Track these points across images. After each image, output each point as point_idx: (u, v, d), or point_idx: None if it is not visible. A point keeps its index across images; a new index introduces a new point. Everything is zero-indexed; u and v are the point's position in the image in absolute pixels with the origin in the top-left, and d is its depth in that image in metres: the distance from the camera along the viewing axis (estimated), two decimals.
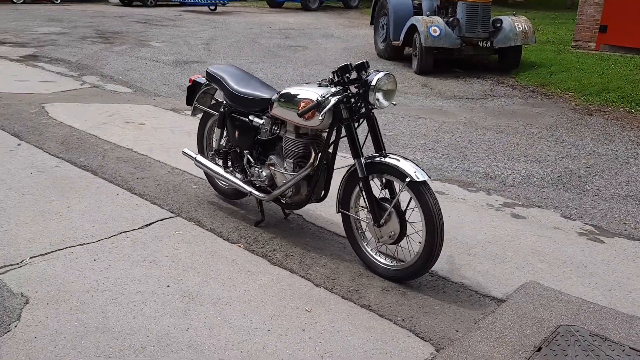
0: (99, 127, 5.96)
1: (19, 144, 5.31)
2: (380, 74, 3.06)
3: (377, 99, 3.08)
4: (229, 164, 3.93)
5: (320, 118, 3.11)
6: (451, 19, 9.30)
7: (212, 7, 19.09)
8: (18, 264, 3.22)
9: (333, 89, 3.13)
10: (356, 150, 3.15)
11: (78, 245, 3.46)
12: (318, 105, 3.08)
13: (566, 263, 3.50)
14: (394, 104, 3.44)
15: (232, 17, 17.70)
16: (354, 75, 3.18)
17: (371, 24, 11.48)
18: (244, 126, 3.72)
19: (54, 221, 3.75)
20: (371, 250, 3.32)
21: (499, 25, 9.32)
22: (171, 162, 5.00)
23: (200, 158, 4.07)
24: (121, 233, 3.64)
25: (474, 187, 4.75)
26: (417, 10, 10.18)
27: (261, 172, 3.67)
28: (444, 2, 9.76)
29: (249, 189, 3.72)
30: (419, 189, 2.96)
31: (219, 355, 2.53)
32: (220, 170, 3.90)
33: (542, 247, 3.69)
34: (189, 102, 4.23)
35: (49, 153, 5.08)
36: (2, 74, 8.44)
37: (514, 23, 9.29)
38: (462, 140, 6.04)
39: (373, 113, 3.26)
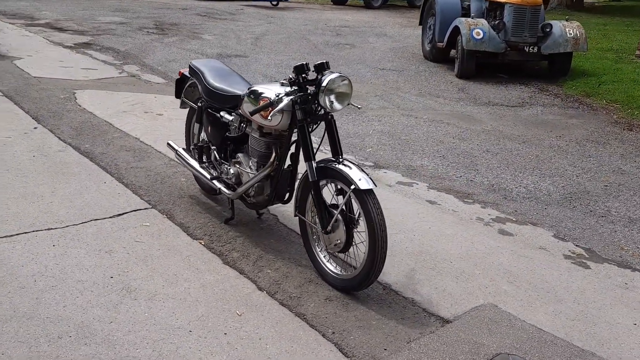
0: (117, 115, 6.12)
1: (35, 127, 5.53)
2: (333, 76, 2.95)
3: (329, 102, 2.96)
4: (204, 159, 3.92)
5: (269, 118, 3.03)
6: (497, 22, 8.93)
7: (274, 2, 19.24)
8: None
9: (288, 89, 3.04)
10: (308, 154, 3.06)
11: (45, 229, 3.55)
12: (271, 105, 3.01)
13: (536, 287, 3.27)
14: (359, 107, 3.33)
15: (291, 12, 17.78)
16: (313, 75, 3.08)
17: (420, 24, 11.22)
18: (216, 122, 3.70)
19: (34, 204, 3.87)
20: (324, 257, 3.21)
21: (548, 30, 8.86)
22: (171, 154, 5.03)
23: (181, 152, 4.09)
24: (91, 221, 3.71)
25: (471, 198, 4.53)
26: (466, 12, 9.85)
27: (229, 169, 3.64)
28: (493, 5, 9.38)
29: (218, 185, 3.70)
30: (363, 198, 2.84)
31: (130, 352, 2.52)
32: (196, 165, 3.90)
33: (517, 268, 3.47)
34: (177, 95, 4.26)
35: (59, 138, 5.26)
36: (51, 59, 8.82)
37: (565, 29, 8.81)
38: (479, 149, 5.78)
39: (332, 116, 3.15)
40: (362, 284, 2.98)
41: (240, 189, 3.51)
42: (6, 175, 4.33)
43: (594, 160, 5.61)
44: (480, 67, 9.19)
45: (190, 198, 4.18)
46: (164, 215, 3.86)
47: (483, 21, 8.85)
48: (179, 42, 11.13)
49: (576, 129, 6.64)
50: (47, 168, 4.52)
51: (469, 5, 9.87)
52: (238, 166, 3.56)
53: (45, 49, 9.56)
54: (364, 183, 2.84)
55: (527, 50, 8.82)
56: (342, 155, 3.15)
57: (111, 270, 3.15)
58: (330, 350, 2.62)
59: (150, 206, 3.99)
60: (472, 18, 9.04)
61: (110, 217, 3.77)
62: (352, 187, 2.86)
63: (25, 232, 3.50)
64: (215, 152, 3.76)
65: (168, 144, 4.25)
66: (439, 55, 10.24)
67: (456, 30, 9.06)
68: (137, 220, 3.75)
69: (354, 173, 2.89)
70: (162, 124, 5.93)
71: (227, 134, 3.65)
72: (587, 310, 3.07)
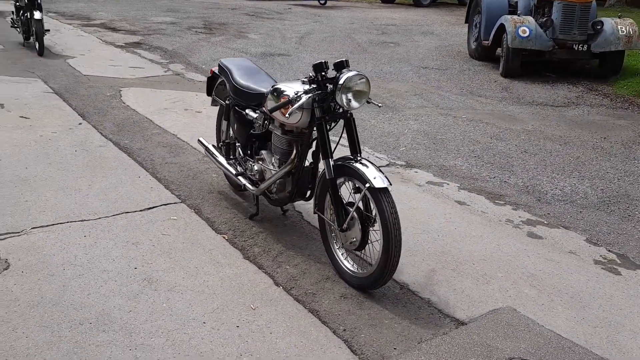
0: (159, 112, 6.31)
1: (80, 123, 5.77)
2: (350, 74, 2.96)
3: (346, 99, 2.97)
4: (231, 156, 4.00)
5: (287, 115, 3.07)
6: (545, 19, 8.69)
7: (322, 2, 19.30)
8: (19, 232, 3.52)
9: (307, 87, 3.07)
10: (325, 151, 3.08)
11: (79, 221, 3.71)
12: (289, 103, 3.05)
13: (560, 292, 3.19)
14: (380, 106, 3.32)
15: (339, 11, 17.81)
16: (332, 73, 3.10)
17: (466, 21, 11.06)
18: (241, 119, 3.77)
19: (71, 196, 4.04)
20: (342, 254, 3.23)
21: (599, 27, 8.56)
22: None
23: (210, 148, 4.18)
24: (122, 213, 3.85)
25: (503, 200, 4.45)
26: (513, 9, 9.63)
27: (253, 166, 3.70)
28: (541, 1, 9.14)
29: (243, 181, 3.77)
30: (377, 196, 2.85)
31: (145, 340, 2.61)
32: (223, 161, 3.98)
33: (542, 272, 3.39)
34: (208, 92, 4.35)
35: (102, 134, 5.47)
36: (102, 58, 9.16)
37: (617, 26, 8.49)
38: (517, 149, 5.65)
39: (351, 114, 3.16)
40: (376, 283, 2.98)
41: (262, 185, 3.57)
42: (48, 169, 4.53)
43: (639, 163, 5.39)
44: (526, 65, 8.97)
45: (219, 194, 4.27)
46: (192, 210, 3.96)
47: (530, 18, 8.63)
48: (225, 42, 11.34)
49: (623, 131, 6.39)
50: (87, 162, 4.71)
51: (516, 3, 9.65)
52: (261, 163, 3.62)
53: (97, 48, 9.93)
54: (378, 181, 2.84)
55: (576, 48, 8.55)
56: (360, 153, 3.15)
57: (136, 262, 3.26)
58: (339, 347, 2.64)
59: (180, 201, 4.09)
60: (519, 15, 8.82)
61: (141, 211, 3.90)
62: (367, 185, 2.86)
63: (60, 223, 3.66)
64: (240, 149, 3.83)
65: (199, 140, 4.35)
66: (484, 53, 10.06)
67: (502, 28, 8.89)
68: (165, 214, 3.86)
69: (369, 171, 2.89)
70: (200, 121, 6.07)
71: (251, 131, 3.71)
72: (612, 317, 2.97)
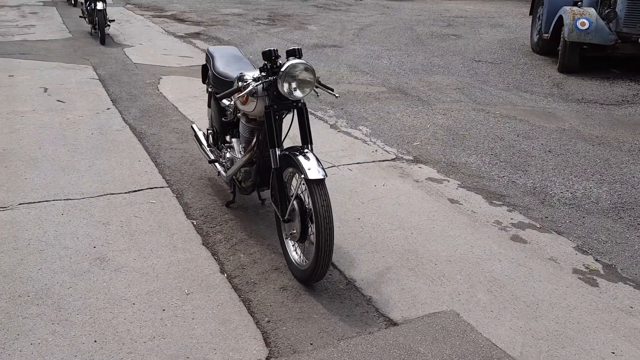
0: (186, 99, 6.48)
1: (108, 108, 6.04)
2: (293, 62, 2.90)
3: (288, 88, 2.92)
4: (212, 143, 4.04)
5: (239, 102, 3.06)
6: (608, 11, 8.08)
7: None
8: (6, 207, 3.75)
9: (256, 74, 3.04)
10: (272, 141, 3.04)
11: (64, 199, 3.90)
12: (237, 91, 3.04)
13: (518, 300, 2.98)
14: (337, 96, 3.22)
15: (410, 3, 17.45)
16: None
17: (530, 13, 10.51)
18: (218, 107, 3.80)
19: (67, 176, 4.26)
20: (292, 245, 3.19)
21: None
22: None
23: (199, 135, 4.25)
24: (107, 194, 4.00)
25: (502, 200, 4.21)
26: (578, 0, 9.04)
27: (225, 153, 3.73)
28: None
29: (218, 168, 3.80)
30: (311, 188, 2.78)
31: (70, 316, 2.71)
32: (205, 148, 4.04)
33: (507, 277, 3.18)
34: (203, 80, 4.42)
35: (123, 118, 5.70)
36: (157, 48, 9.53)
37: None
38: (541, 148, 5.32)
39: (303, 104, 3.10)
40: (311, 277, 2.92)
41: (228, 172, 3.59)
42: (59, 150, 4.79)
43: None
44: (588, 61, 8.40)
45: (208, 180, 4.33)
46: (174, 195, 4.05)
47: (591, 10, 8.06)
48: (282, 33, 11.44)
49: None
50: (97, 145, 4.93)
51: None
52: (230, 151, 3.63)
53: (157, 38, 10.34)
54: (313, 173, 2.77)
55: None
56: (311, 144, 3.08)
57: (97, 241, 3.38)
58: (254, 338, 2.61)
59: (167, 185, 4.20)
60: (581, 7, 8.26)
61: (125, 193, 4.03)
62: (302, 176, 2.80)
63: (46, 201, 3.86)
64: (210, 135, 3.86)
65: (191, 126, 4.43)
66: (546, 47, 9.52)
67: (561, 20, 8.36)
68: (146, 197, 3.97)
69: (306, 163, 2.82)
70: None
71: (222, 118, 3.73)
72: (564, 331, 2.74)
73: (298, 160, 2.86)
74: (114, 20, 10.76)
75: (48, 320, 2.66)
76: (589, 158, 5.11)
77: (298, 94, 2.95)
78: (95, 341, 2.54)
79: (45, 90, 6.58)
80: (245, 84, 3.03)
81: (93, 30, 10.16)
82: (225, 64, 3.81)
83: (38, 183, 4.12)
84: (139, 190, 4.08)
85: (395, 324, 2.75)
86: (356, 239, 3.54)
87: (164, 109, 6.10)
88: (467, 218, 3.89)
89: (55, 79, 7.08)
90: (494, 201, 4.19)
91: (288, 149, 3.02)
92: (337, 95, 3.21)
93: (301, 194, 2.95)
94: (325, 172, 2.81)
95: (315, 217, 2.75)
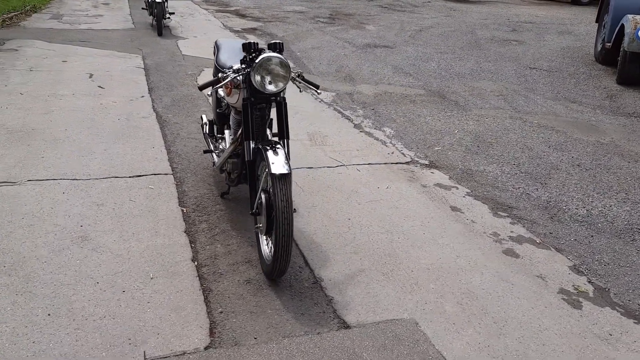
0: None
1: (142, 96, 6.25)
2: (267, 55, 2.88)
3: (260, 80, 2.90)
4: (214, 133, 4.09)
5: (221, 94, 3.07)
6: None
7: None
8: (15, 182, 3.95)
9: (236, 67, 3.05)
10: (247, 133, 3.04)
11: (70, 179, 4.06)
12: (217, 81, 3.06)
13: (487, 315, 2.84)
14: (319, 93, 3.19)
15: (480, 6, 16.97)
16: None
17: (596, 21, 9.97)
18: (215, 98, 3.84)
19: (81, 158, 4.43)
20: (265, 239, 3.18)
21: None
22: None
23: (206, 124, 4.31)
24: (112, 177, 4.14)
25: (508, 212, 4.02)
26: None
27: (219, 144, 3.76)
28: None
29: (215, 158, 3.85)
30: (274, 182, 2.76)
31: (33, 288, 2.82)
32: (208, 139, 4.09)
33: (483, 291, 3.04)
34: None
35: (153, 107, 5.88)
36: (210, 41, 9.70)
37: None
38: (570, 162, 5.05)
39: (283, 99, 3.08)
40: (272, 272, 2.89)
41: (217, 163, 3.62)
42: (83, 132, 4.99)
43: None
44: None
45: (212, 170, 4.38)
46: (175, 182, 4.13)
47: None
48: (338, 31, 11.42)
49: None
50: (119, 130, 5.10)
51: None
52: (222, 141, 3.66)
53: (212, 32, 10.58)
54: (276, 167, 2.74)
55: None
56: (286, 139, 3.06)
57: (86, 220, 3.50)
58: (200, 327, 2.62)
59: (171, 173, 4.28)
60: None
61: (129, 177, 4.15)
62: (266, 170, 2.79)
63: (54, 179, 4.03)
64: (207, 126, 3.91)
65: (201, 117, 4.50)
66: (608, 57, 9.01)
67: (623, 28, 7.88)
68: (147, 183, 4.08)
69: (273, 157, 2.80)
70: None
71: (218, 109, 3.77)
72: (525, 352, 2.58)
73: (266, 154, 2.84)
74: (173, 13, 11.11)
75: (13, 290, 2.78)
76: (619, 175, 4.79)
77: (271, 87, 2.93)
78: (49, 314, 2.62)
79: (91, 76, 6.88)
80: (225, 75, 3.04)
81: (153, 21, 10.51)
82: (228, 56, 3.84)
83: (52, 162, 4.30)
84: (142, 176, 4.19)
85: (347, 327, 2.69)
86: (339, 239, 3.48)
87: (195, 99, 6.23)
88: (463, 227, 3.74)
89: (103, 66, 7.39)
90: (499, 212, 4.01)
91: (263, 142, 3.01)
92: (319, 92, 3.16)
93: (269, 188, 2.92)
94: (289, 167, 2.78)
95: (275, 212, 2.72)
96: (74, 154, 4.49)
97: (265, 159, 2.84)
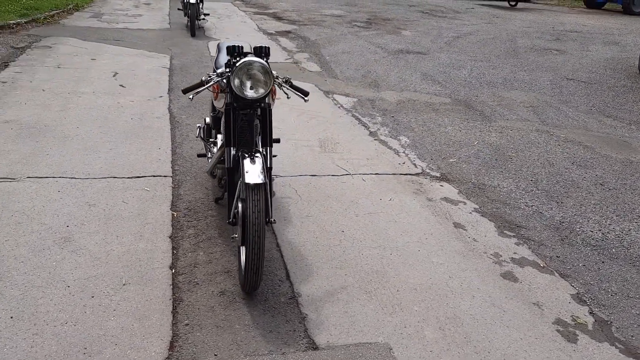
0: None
1: (160, 96, 6.25)
2: (247, 59, 2.77)
3: (238, 84, 2.79)
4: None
5: (217, 100, 2.98)
6: None
7: (512, 3, 18.03)
8: (14, 178, 3.97)
9: (220, 70, 2.96)
10: (228, 139, 2.94)
11: (69, 177, 4.05)
12: (199, 85, 2.97)
13: (469, 344, 2.65)
14: (307, 100, 3.06)
15: (524, 14, 16.48)
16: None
17: None
18: (212, 102, 3.76)
19: (86, 156, 4.43)
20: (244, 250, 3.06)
21: None
22: None
23: (203, 127, 4.23)
24: (110, 177, 4.11)
25: (515, 232, 3.80)
26: None
27: (213, 148, 3.68)
28: None
29: (209, 162, 3.77)
30: (247, 191, 2.64)
31: (3, 290, 2.78)
32: (204, 141, 4.01)
33: (470, 317, 2.84)
34: None
35: (169, 107, 5.87)
36: (240, 43, 9.73)
37: None
38: (593, 180, 4.76)
39: (268, 105, 2.97)
40: (244, 286, 2.78)
41: (207, 168, 3.53)
42: (93, 131, 5.01)
43: None
44: None
45: (205, 174, 4.30)
46: (172, 185, 4.06)
47: None
48: (372, 36, 11.26)
49: None
50: (129, 129, 5.10)
51: None
52: (214, 146, 3.57)
53: (245, 34, 10.58)
54: (250, 177, 2.63)
55: None
56: (269, 147, 2.94)
57: (73, 221, 3.47)
58: (161, 339, 2.53)
59: (171, 175, 4.22)
60: None
61: (128, 178, 4.12)
62: (241, 179, 2.68)
63: (53, 177, 4.03)
64: (200, 129, 3.83)
65: (204, 119, 4.42)
66: None
67: None
68: (144, 184, 4.03)
69: (249, 166, 2.69)
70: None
71: (211, 113, 3.68)
72: None
73: (243, 162, 2.73)
74: (208, 14, 11.17)
75: None
76: None
77: (250, 93, 2.82)
78: (12, 317, 2.58)
79: (115, 75, 6.93)
80: (208, 78, 2.94)
81: (188, 22, 10.58)
82: (225, 59, 3.73)
83: (55, 160, 4.31)
84: (141, 177, 4.14)
85: (315, 348, 2.54)
86: (328, 252, 3.34)
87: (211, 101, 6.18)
88: (462, 245, 3.54)
89: (130, 65, 7.44)
90: (505, 231, 3.78)
91: (243, 149, 2.89)
92: (306, 99, 3.03)
93: (239, 192, 2.81)
94: (265, 177, 2.65)
95: (247, 224, 2.60)
96: (78, 152, 4.48)
97: (241, 167, 2.73)
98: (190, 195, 3.93)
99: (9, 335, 2.47)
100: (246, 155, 2.78)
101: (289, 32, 11.20)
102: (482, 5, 18.24)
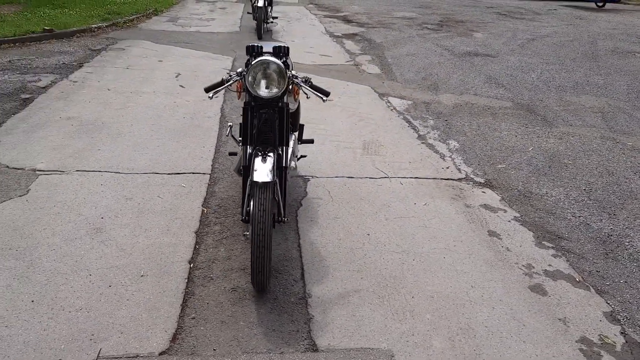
0: None
1: (217, 96, 6.40)
2: (262, 58, 2.79)
3: (251, 83, 2.81)
4: None
5: (209, 95, 3.04)
6: None
7: (600, 4, 17.08)
8: (64, 171, 4.20)
9: (240, 69, 2.99)
10: (245, 138, 2.97)
11: (113, 172, 4.24)
12: (220, 84, 3.02)
13: (479, 356, 2.54)
14: (324, 101, 3.03)
15: (611, 15, 15.57)
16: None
17: None
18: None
19: (133, 152, 4.62)
20: None
21: None
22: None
23: (232, 125, 4.29)
24: (151, 173, 4.26)
25: (554, 243, 3.61)
26: None
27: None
28: None
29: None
30: (253, 190, 2.66)
31: (32, 275, 2.95)
32: (234, 139, 4.07)
33: (486, 329, 2.72)
34: None
35: (222, 107, 6.02)
36: (305, 45, 9.84)
37: None
38: None
39: (284, 105, 2.97)
40: (253, 283, 2.79)
41: (235, 165, 3.58)
42: (146, 128, 5.21)
43: None
44: None
45: (232, 171, 4.36)
46: (209, 183, 4.16)
47: None
48: (440, 39, 11.04)
49: None
50: (180, 127, 5.27)
51: None
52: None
53: (311, 37, 10.67)
54: (257, 175, 2.65)
55: None
56: (286, 146, 2.95)
57: (108, 213, 3.62)
58: (165, 331, 2.59)
59: (209, 173, 4.32)
60: None
61: (167, 174, 4.25)
62: (250, 177, 2.70)
63: (98, 171, 4.23)
64: (229, 127, 3.88)
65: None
66: None
67: None
68: (182, 181, 4.15)
69: (258, 164, 2.71)
70: (320, 108, 6.16)
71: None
72: None
73: (253, 160, 2.75)
74: (277, 17, 11.36)
75: (14, 274, 2.92)
76: None
77: (262, 92, 2.83)
78: (32, 301, 2.72)
79: (177, 75, 7.19)
80: (229, 77, 2.98)
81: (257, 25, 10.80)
82: None
83: (105, 155, 4.52)
84: (181, 173, 4.26)
85: (315, 350, 2.51)
86: (348, 254, 3.30)
87: None
88: (493, 255, 3.39)
89: (193, 67, 7.69)
90: (544, 242, 3.59)
91: (258, 148, 2.91)
92: (324, 99, 3.00)
93: (247, 194, 2.82)
94: (274, 177, 2.66)
95: (252, 222, 2.62)
96: (127, 149, 4.67)
97: (251, 165, 2.74)
98: (224, 193, 4.00)
99: (26, 317, 2.60)
100: (259, 154, 2.79)
101: (355, 34, 11.17)
102: (567, 6, 17.43)
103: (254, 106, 2.95)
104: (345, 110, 6.09)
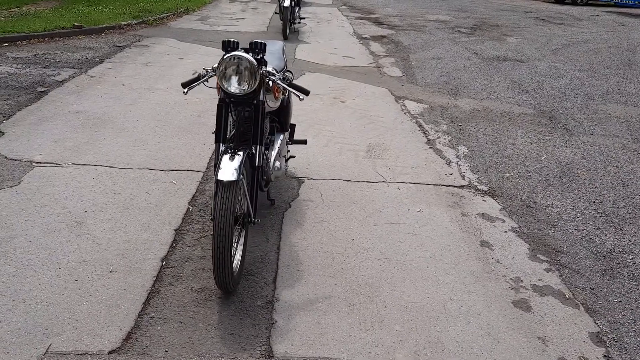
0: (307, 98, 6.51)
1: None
2: (233, 53, 2.71)
3: (220, 78, 2.74)
4: None
5: (183, 91, 2.98)
6: None
7: None
8: (60, 164, 4.22)
9: (215, 65, 2.92)
10: (218, 135, 2.90)
11: (108, 166, 4.24)
12: (196, 79, 2.96)
13: None
14: (301, 99, 2.94)
15: None
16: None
17: None
18: None
19: (133, 148, 4.62)
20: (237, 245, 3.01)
21: None
22: (298, 136, 5.21)
23: None
24: (145, 169, 4.25)
25: (550, 257, 3.42)
26: None
27: None
28: None
29: None
30: (217, 188, 2.59)
31: (1, 266, 2.94)
32: None
33: (457, 344, 2.58)
34: None
35: None
36: (330, 47, 9.76)
37: None
38: None
39: (260, 102, 2.89)
40: (216, 284, 2.71)
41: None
42: (149, 125, 5.21)
43: None
44: None
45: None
46: (200, 181, 4.11)
47: None
48: (471, 42, 10.80)
49: None
50: (184, 125, 5.25)
51: None
52: None
53: (337, 38, 10.58)
54: (221, 173, 2.57)
55: None
56: (260, 145, 2.87)
57: (93, 207, 3.61)
58: (120, 329, 2.53)
59: (203, 171, 4.28)
60: None
61: (161, 170, 4.22)
62: (215, 174, 2.62)
63: (94, 165, 4.24)
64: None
65: None
66: None
67: None
68: (174, 178, 4.11)
69: (225, 162, 2.63)
70: (331, 108, 6.07)
71: None
72: None
73: (221, 158, 2.67)
74: (304, 18, 11.31)
75: None
76: None
77: (233, 88, 2.75)
78: None
79: (194, 73, 7.18)
80: (205, 72, 2.92)
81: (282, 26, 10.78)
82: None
83: (104, 149, 4.53)
84: (174, 170, 4.23)
85: (271, 357, 2.42)
86: (327, 259, 3.19)
87: None
88: (480, 266, 3.22)
89: (212, 64, 7.67)
90: (538, 255, 3.40)
91: (228, 146, 2.83)
92: (301, 98, 2.90)
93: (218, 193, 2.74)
94: (239, 175, 2.57)
95: (214, 221, 2.54)
96: (128, 144, 4.67)
97: (217, 163, 2.67)
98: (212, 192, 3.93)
99: None
100: (228, 152, 2.71)
101: (383, 36, 11.02)
102: (611, 12, 16.84)
103: (228, 103, 2.87)
104: (357, 112, 5.97)
